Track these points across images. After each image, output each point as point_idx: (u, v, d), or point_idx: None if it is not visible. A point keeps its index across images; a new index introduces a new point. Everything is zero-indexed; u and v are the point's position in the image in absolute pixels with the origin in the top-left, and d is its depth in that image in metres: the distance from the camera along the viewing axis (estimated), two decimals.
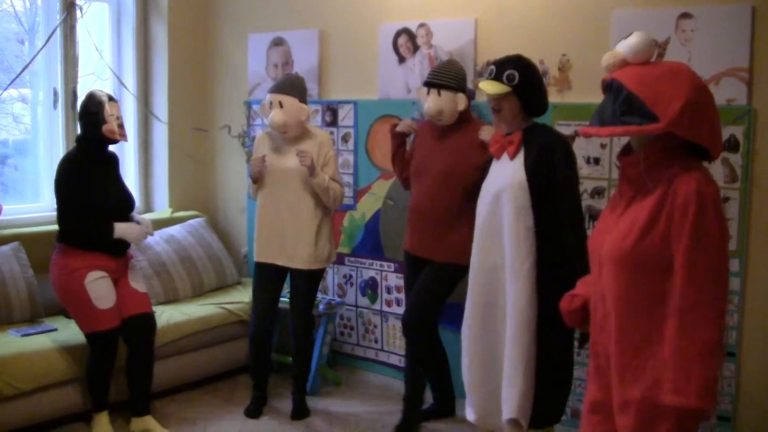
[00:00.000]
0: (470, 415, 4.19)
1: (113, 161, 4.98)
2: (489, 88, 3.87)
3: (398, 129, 4.92)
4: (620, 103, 2.82)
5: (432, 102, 4.57)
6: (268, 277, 5.09)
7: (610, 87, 2.90)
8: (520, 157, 3.89)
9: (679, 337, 2.68)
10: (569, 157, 3.96)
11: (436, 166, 4.60)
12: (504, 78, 3.83)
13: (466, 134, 4.58)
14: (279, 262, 5.02)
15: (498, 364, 3.98)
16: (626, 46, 2.90)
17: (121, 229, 4.71)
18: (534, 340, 3.84)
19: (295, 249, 4.97)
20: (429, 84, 4.62)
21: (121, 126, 4.78)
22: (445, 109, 4.55)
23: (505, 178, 3.88)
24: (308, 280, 5.07)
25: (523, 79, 3.85)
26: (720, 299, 2.71)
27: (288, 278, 5.16)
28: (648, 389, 2.79)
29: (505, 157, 3.97)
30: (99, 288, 4.68)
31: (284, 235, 4.97)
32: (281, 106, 4.86)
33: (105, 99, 4.75)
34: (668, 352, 2.71)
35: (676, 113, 2.70)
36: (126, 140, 4.89)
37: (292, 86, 4.96)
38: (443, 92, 4.53)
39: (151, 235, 5.11)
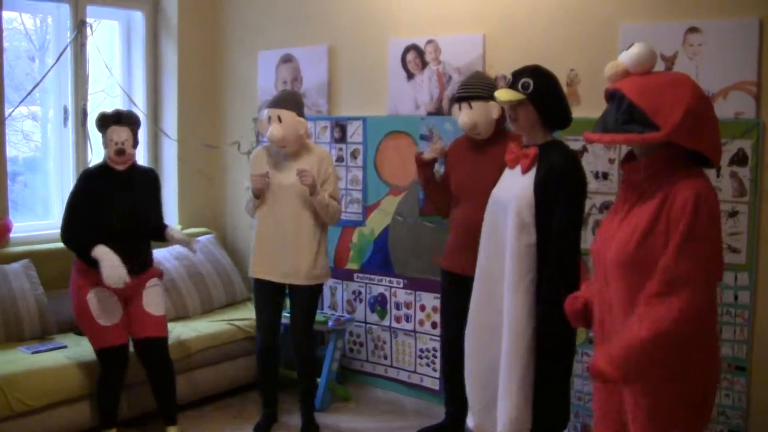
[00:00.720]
0: (470, 421, 4.17)
1: (141, 178, 4.96)
2: (502, 95, 3.85)
3: (426, 156, 4.84)
4: (622, 112, 2.88)
5: (465, 116, 4.55)
6: (268, 293, 5.06)
7: (612, 96, 2.95)
8: (532, 173, 3.86)
9: (641, 315, 2.76)
10: (578, 183, 3.89)
11: (484, 183, 4.32)
12: (519, 86, 3.82)
13: (503, 147, 4.38)
14: (278, 280, 4.99)
15: (496, 374, 3.95)
16: (628, 56, 2.96)
17: (100, 253, 4.61)
18: (532, 353, 3.81)
19: (296, 266, 4.94)
20: (459, 98, 4.61)
21: (119, 152, 4.73)
22: (479, 120, 4.52)
23: (514, 191, 3.85)
24: (309, 297, 5.05)
25: (538, 87, 3.81)
26: (699, 306, 2.75)
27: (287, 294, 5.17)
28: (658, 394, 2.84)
29: (518, 169, 3.94)
30: (100, 305, 4.72)
31: (284, 251, 4.94)
32: (280, 120, 4.85)
33: (110, 122, 4.79)
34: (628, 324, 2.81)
35: (676, 122, 2.76)
36: (122, 168, 4.81)
37: (289, 101, 4.95)
38: (474, 104, 4.51)
39: (194, 252, 5.20)
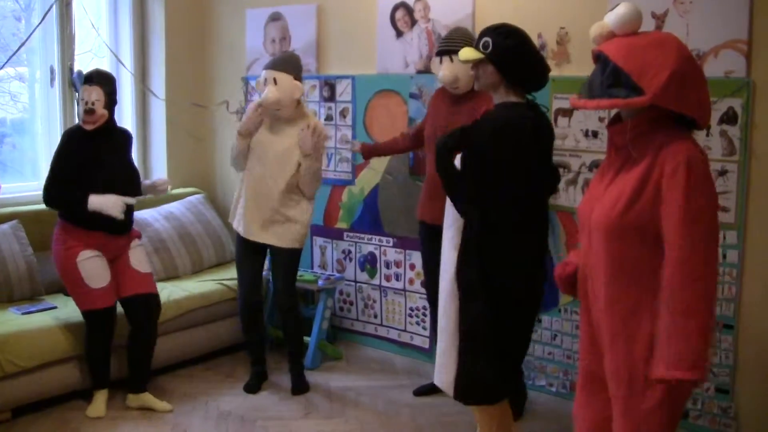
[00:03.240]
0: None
1: (119, 138, 4.96)
2: (463, 54, 3.70)
3: (357, 149, 5.39)
4: (607, 75, 2.84)
5: (446, 69, 4.56)
6: (251, 250, 5.10)
7: (598, 59, 2.92)
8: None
9: (673, 310, 2.70)
10: (491, 133, 3.57)
11: None
12: (480, 45, 3.72)
13: (480, 103, 4.43)
14: (264, 241, 5.01)
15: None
16: (613, 17, 2.91)
17: (96, 201, 4.65)
18: (458, 312, 3.66)
19: (283, 229, 4.98)
20: (441, 52, 4.62)
21: (87, 111, 4.69)
22: (460, 74, 4.52)
23: None
24: (291, 259, 5.10)
25: (497, 47, 3.61)
26: (712, 265, 2.73)
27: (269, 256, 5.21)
28: (638, 359, 2.83)
29: None
30: (90, 267, 4.72)
31: (272, 214, 4.96)
32: (275, 83, 4.83)
33: (81, 82, 4.79)
34: (662, 324, 2.73)
35: (661, 86, 2.73)
36: (89, 128, 4.74)
37: (287, 63, 4.93)
38: (456, 57, 4.46)
39: (167, 191, 5.27)
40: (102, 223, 4.72)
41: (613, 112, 3.15)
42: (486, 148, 3.54)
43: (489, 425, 3.77)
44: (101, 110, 4.74)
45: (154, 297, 4.93)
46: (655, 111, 2.82)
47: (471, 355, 3.62)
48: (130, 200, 4.81)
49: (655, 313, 2.79)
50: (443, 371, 3.72)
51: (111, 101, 4.83)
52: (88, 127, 4.75)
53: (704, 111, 2.89)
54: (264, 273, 5.37)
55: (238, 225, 5.10)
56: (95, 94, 4.72)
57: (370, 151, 5.37)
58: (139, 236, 5.09)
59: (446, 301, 3.70)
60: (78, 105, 4.83)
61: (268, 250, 5.16)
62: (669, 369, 2.68)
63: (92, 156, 4.75)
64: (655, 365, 2.74)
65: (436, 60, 4.70)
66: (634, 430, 2.87)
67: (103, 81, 4.81)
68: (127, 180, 4.89)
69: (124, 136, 5.04)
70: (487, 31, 3.70)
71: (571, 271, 3.18)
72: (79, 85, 4.84)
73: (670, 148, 2.76)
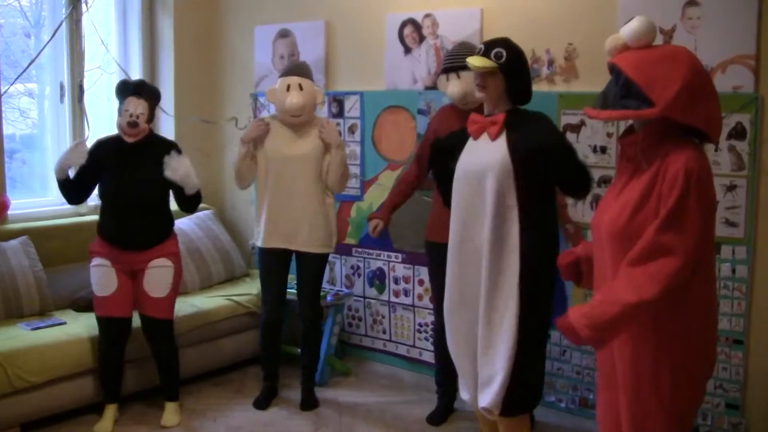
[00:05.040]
0: (465, 395, 4.04)
1: (157, 152, 4.81)
2: (476, 62, 3.78)
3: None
4: (620, 87, 2.95)
5: (454, 86, 4.55)
6: (276, 265, 5.10)
7: (612, 70, 3.00)
8: (502, 139, 3.77)
9: (626, 277, 2.83)
10: (557, 130, 3.95)
11: None
12: (492, 55, 3.78)
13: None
14: (291, 247, 5.02)
15: (476, 345, 3.86)
16: (628, 30, 3.02)
17: (58, 161, 4.79)
18: (516, 326, 3.73)
19: (309, 234, 4.98)
20: (447, 69, 4.61)
21: (131, 124, 4.71)
22: (469, 90, 4.46)
23: (488, 158, 3.76)
24: (318, 266, 5.11)
25: (510, 59, 3.78)
26: (671, 278, 2.79)
27: (295, 267, 5.17)
28: (643, 364, 2.92)
29: (484, 138, 3.85)
30: (97, 275, 4.78)
31: (297, 221, 4.96)
32: (301, 88, 4.87)
33: (129, 92, 4.78)
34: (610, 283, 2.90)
35: (671, 98, 2.80)
36: (131, 140, 4.77)
37: (308, 70, 5.03)
38: (462, 74, 4.48)
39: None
40: (110, 235, 4.78)
41: (626, 124, 3.21)
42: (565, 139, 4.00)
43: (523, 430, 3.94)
44: (144, 125, 4.76)
45: (161, 323, 4.87)
46: (665, 123, 2.88)
47: (527, 365, 3.76)
48: (83, 147, 4.84)
49: (661, 321, 2.87)
50: (493, 390, 3.77)
51: (152, 116, 4.85)
52: (130, 140, 4.78)
53: (714, 124, 2.94)
54: None
55: (258, 237, 5.09)
56: (141, 108, 4.74)
57: (388, 213, 5.08)
58: (170, 255, 4.92)
59: (510, 322, 3.73)
60: (119, 114, 4.79)
61: (295, 263, 5.15)
62: (575, 317, 2.84)
63: (113, 167, 4.76)
64: (571, 310, 2.89)
65: (442, 77, 4.68)
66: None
67: (151, 95, 4.84)
68: (143, 196, 4.78)
69: (166, 148, 4.86)
70: (497, 43, 3.82)
71: (572, 259, 3.34)
72: (122, 95, 4.81)
73: (673, 156, 2.83)
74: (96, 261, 4.80)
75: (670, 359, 2.88)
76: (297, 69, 5.00)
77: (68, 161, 4.77)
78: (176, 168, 4.74)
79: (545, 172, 3.79)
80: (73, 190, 4.87)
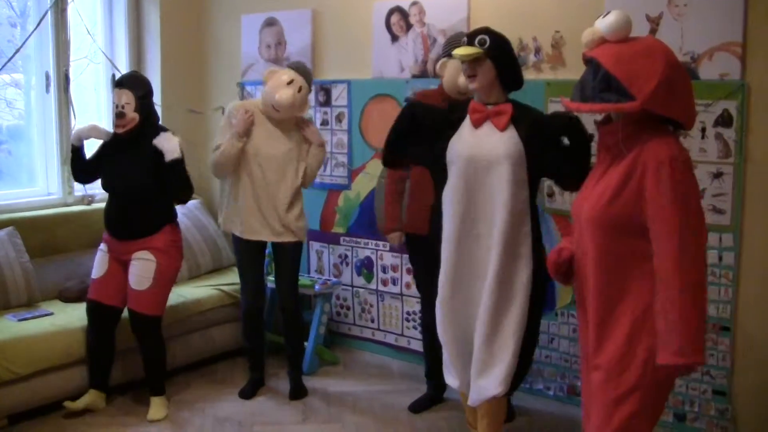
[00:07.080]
0: (453, 382, 4.02)
1: (140, 140, 4.79)
2: (461, 51, 3.76)
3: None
4: (599, 80, 3.00)
5: (462, 76, 4.51)
6: (254, 253, 5.11)
7: (589, 63, 3.07)
8: (512, 130, 3.78)
9: (671, 298, 2.84)
10: (568, 117, 3.94)
11: None
12: (476, 42, 3.77)
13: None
14: (267, 239, 5.02)
15: (472, 334, 3.88)
16: (604, 24, 3.14)
17: (74, 133, 5.00)
18: (522, 315, 3.80)
19: (285, 224, 4.98)
20: (448, 55, 4.55)
21: (117, 115, 4.72)
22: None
23: (500, 148, 3.76)
24: (294, 255, 5.12)
25: (494, 42, 3.76)
26: (701, 256, 2.92)
27: (271, 258, 5.22)
28: (621, 344, 2.99)
29: (488, 127, 3.83)
30: (96, 258, 4.96)
31: (273, 212, 4.96)
32: (300, 90, 4.88)
33: (114, 85, 4.90)
34: (661, 313, 2.87)
35: (650, 92, 2.90)
36: (120, 131, 4.75)
37: (312, 78, 5.08)
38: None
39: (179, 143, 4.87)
40: (107, 223, 4.92)
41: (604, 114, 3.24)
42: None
43: (502, 412, 4.02)
44: (131, 113, 4.74)
45: (138, 316, 4.81)
46: (643, 113, 2.98)
47: (528, 350, 3.88)
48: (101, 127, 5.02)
49: (638, 301, 2.96)
50: (505, 375, 3.79)
51: (143, 105, 4.80)
52: (119, 131, 4.77)
53: (690, 114, 3.08)
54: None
55: (234, 228, 5.07)
56: (125, 98, 4.75)
57: (400, 221, 4.98)
58: (154, 250, 4.83)
59: (519, 310, 3.79)
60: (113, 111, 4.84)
61: (269, 252, 5.17)
62: (674, 360, 2.83)
63: (110, 159, 4.88)
64: (660, 352, 2.87)
65: (443, 62, 4.60)
66: (606, 415, 3.00)
67: (133, 84, 4.81)
68: (134, 188, 4.79)
69: (149, 139, 4.79)
70: (479, 32, 3.83)
71: (566, 257, 3.30)
72: (111, 90, 4.93)
73: (652, 146, 2.93)
74: (100, 246, 4.97)
75: (649, 339, 2.95)
76: (307, 74, 5.00)
77: (85, 132, 4.94)
78: (172, 149, 4.77)
79: (552, 159, 3.85)
80: (80, 167, 5.00)
